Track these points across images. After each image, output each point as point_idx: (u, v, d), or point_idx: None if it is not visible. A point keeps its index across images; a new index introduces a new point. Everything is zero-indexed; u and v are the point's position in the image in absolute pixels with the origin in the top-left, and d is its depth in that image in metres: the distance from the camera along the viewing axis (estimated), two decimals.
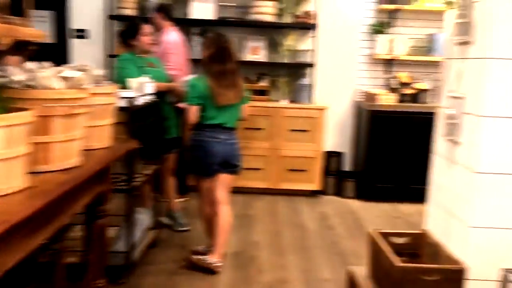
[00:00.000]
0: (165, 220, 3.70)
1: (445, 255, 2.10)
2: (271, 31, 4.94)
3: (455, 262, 2.00)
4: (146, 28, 3.40)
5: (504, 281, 1.98)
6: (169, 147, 3.54)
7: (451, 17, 2.22)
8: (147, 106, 2.99)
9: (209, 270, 2.94)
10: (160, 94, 3.25)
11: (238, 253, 3.29)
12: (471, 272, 1.96)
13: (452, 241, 2.10)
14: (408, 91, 4.65)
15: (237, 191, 4.59)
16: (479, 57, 1.94)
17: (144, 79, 3.09)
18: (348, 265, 3.08)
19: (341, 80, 5.06)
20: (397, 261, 1.97)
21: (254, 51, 4.87)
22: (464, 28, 2.03)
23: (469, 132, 2.00)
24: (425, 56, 4.79)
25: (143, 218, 3.17)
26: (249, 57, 4.86)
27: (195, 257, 3.02)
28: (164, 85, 3.38)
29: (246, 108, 3.15)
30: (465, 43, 2.05)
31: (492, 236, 1.95)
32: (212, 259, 2.96)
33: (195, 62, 4.13)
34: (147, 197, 3.41)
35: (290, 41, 4.85)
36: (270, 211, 4.27)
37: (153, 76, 3.21)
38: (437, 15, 4.64)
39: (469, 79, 2.02)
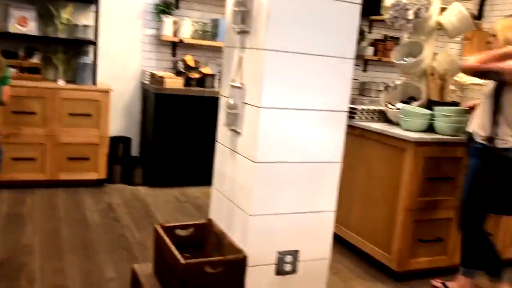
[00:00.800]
0: None
1: (228, 244, 2.11)
2: (43, 1, 4.32)
3: (237, 251, 2.02)
4: None
5: (280, 263, 2.09)
6: None
7: (231, 4, 2.20)
8: None
9: None
10: None
11: (3, 262, 2.79)
12: (251, 259, 2.01)
13: (234, 230, 2.12)
14: (194, 75, 4.65)
15: (4, 185, 3.96)
16: (257, 47, 1.96)
17: None
18: (136, 260, 2.93)
19: (126, 61, 4.78)
20: (181, 258, 1.88)
21: (22, 22, 4.18)
22: (243, 17, 2.03)
23: (249, 123, 2.02)
24: (210, 41, 4.85)
25: None
26: (14, 28, 4.16)
27: None
28: None
29: (7, 90, 2.64)
30: (243, 32, 2.05)
31: (268, 223, 2.03)
32: None
33: None
34: None
35: (67, 14, 4.32)
36: (46, 207, 3.77)
37: None
38: (221, 0, 4.73)
39: (248, 69, 2.03)
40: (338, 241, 3.34)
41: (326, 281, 2.22)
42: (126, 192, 4.36)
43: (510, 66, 2.48)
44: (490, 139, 2.58)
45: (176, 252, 1.93)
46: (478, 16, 5.91)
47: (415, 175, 2.89)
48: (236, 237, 2.09)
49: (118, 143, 4.64)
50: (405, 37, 3.44)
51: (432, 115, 3.06)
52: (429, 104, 3.20)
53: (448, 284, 2.92)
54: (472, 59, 2.58)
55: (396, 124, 3.23)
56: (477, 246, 2.76)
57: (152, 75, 4.64)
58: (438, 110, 3.04)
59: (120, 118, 4.84)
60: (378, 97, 4.29)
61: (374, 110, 3.36)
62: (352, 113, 3.27)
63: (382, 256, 3.09)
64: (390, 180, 3.03)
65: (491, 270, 2.77)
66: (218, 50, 4.89)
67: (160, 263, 2.15)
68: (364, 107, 3.37)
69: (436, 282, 2.98)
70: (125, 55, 4.76)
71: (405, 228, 2.95)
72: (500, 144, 2.56)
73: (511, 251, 3.33)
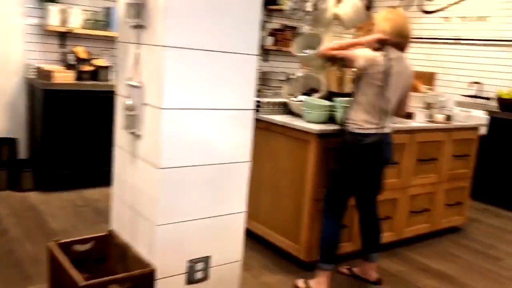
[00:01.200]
0: None
1: (133, 257, 1.96)
2: None
3: (144, 264, 1.88)
4: None
5: (191, 272, 1.99)
6: None
7: None
8: None
9: None
10: None
11: None
12: (159, 271, 1.88)
13: (140, 241, 1.97)
14: (86, 67, 4.31)
15: None
16: (155, 44, 1.81)
17: None
18: (29, 279, 2.65)
19: (6, 53, 4.27)
20: (80, 280, 1.70)
21: None
22: (137, 10, 1.86)
23: (150, 125, 1.87)
24: (103, 31, 4.52)
25: None
26: None
27: None
28: None
29: None
30: (139, 27, 1.89)
31: (177, 231, 1.91)
32: None
33: None
34: None
35: None
36: None
37: None
38: None
39: (147, 67, 1.88)
40: (248, 235, 3.29)
41: (239, 283, 2.16)
42: (14, 200, 3.93)
43: (348, 53, 2.69)
44: (344, 123, 2.73)
45: (74, 273, 1.73)
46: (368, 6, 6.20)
47: (318, 166, 2.94)
48: (142, 248, 1.95)
49: (2, 145, 4.16)
50: (304, 29, 3.47)
51: (333, 106, 3.13)
52: (330, 96, 3.26)
53: (354, 269, 3.04)
54: (325, 46, 2.83)
55: (299, 116, 3.25)
56: (326, 229, 2.79)
57: (38, 69, 4.22)
58: (338, 101, 3.10)
59: (3, 117, 4.34)
60: (280, 87, 4.32)
61: (278, 102, 3.36)
62: (257, 106, 3.23)
63: (291, 247, 3.12)
64: (296, 171, 3.05)
65: (329, 258, 2.78)
66: (112, 40, 4.57)
67: (57, 285, 1.93)
68: (269, 99, 3.35)
69: (342, 268, 3.08)
70: (4, 47, 4.26)
71: (311, 218, 2.99)
72: (352, 127, 2.68)
73: (407, 231, 3.56)
